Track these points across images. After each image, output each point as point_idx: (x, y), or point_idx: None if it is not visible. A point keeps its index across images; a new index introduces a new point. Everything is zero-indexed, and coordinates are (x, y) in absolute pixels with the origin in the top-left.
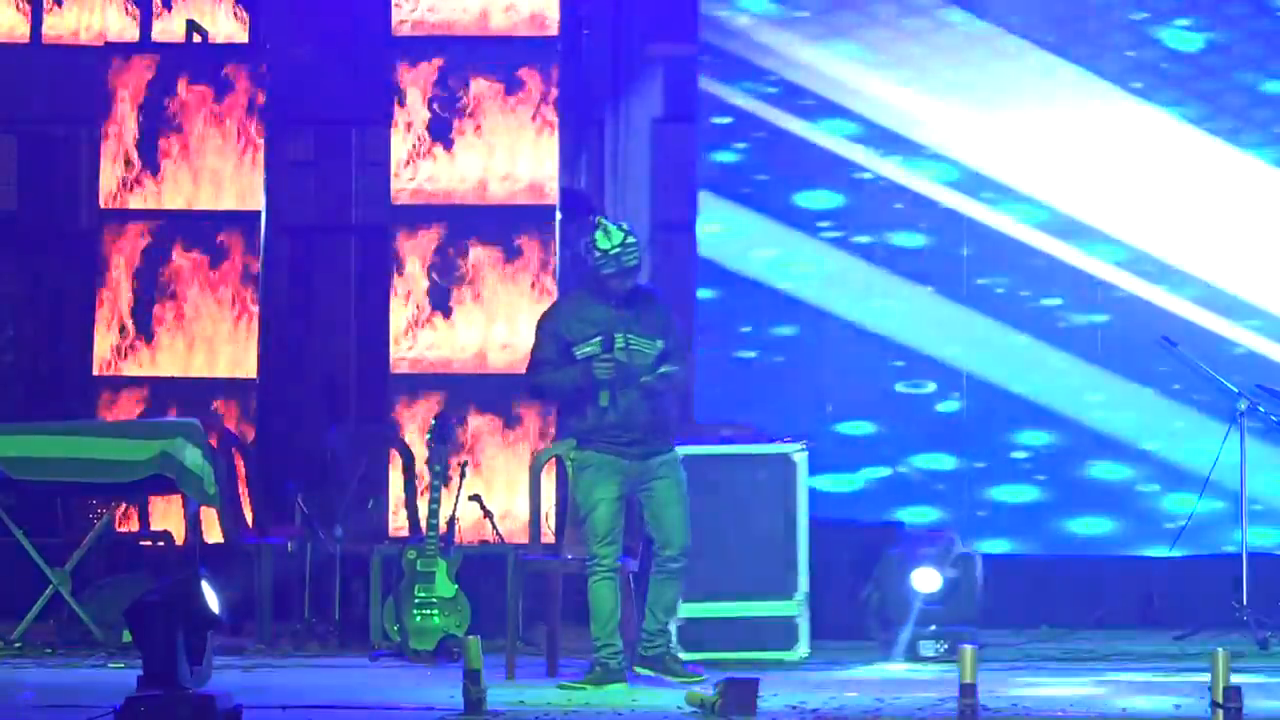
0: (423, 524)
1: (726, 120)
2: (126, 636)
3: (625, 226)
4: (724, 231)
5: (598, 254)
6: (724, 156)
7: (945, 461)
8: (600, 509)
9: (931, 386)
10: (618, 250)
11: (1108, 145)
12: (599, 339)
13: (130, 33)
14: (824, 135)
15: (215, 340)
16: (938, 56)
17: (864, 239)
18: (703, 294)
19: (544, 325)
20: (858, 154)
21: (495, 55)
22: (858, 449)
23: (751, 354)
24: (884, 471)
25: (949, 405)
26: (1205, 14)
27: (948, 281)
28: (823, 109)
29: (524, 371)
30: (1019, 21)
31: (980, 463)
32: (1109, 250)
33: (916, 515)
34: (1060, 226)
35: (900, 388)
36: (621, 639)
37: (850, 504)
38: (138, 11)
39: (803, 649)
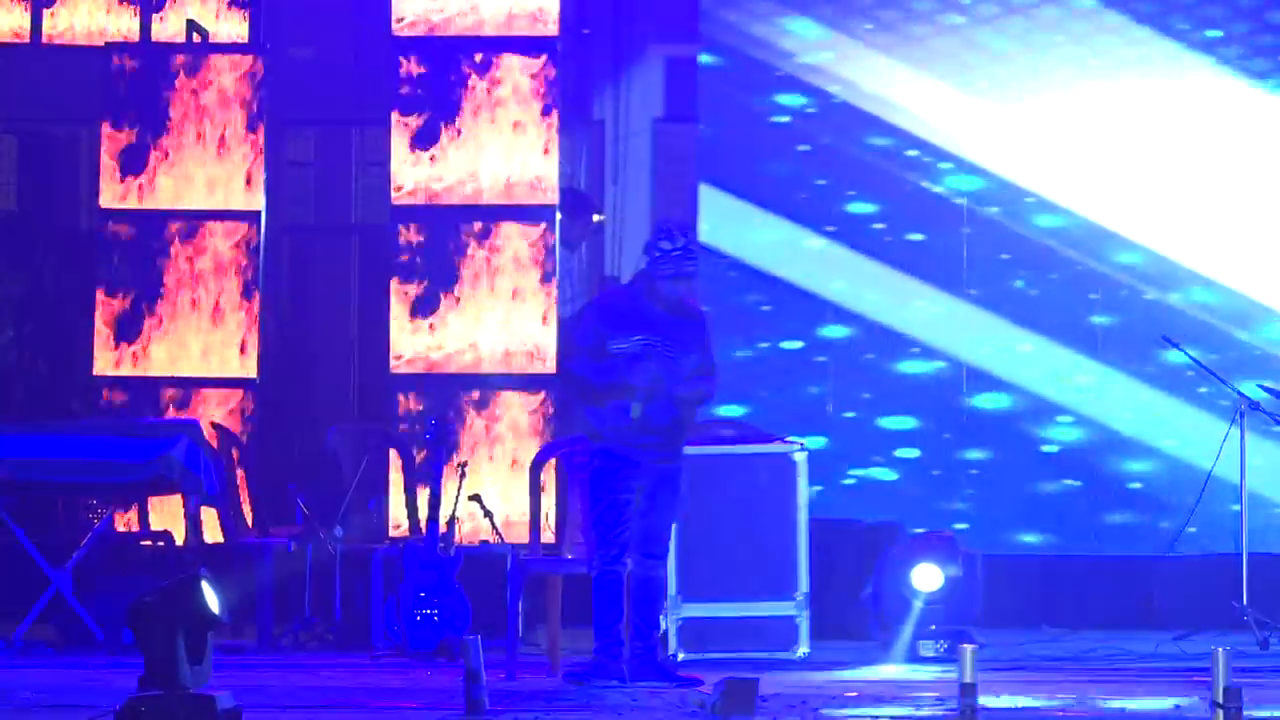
0: (423, 524)
1: (784, 119)
2: (126, 637)
3: (689, 235)
4: (775, 235)
5: (656, 254)
6: (777, 167)
7: (979, 456)
8: (613, 504)
9: (968, 384)
10: (678, 254)
11: (1139, 157)
12: (639, 338)
13: (130, 33)
14: (864, 146)
15: (215, 340)
16: (975, 75)
17: (904, 241)
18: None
19: (586, 315)
20: (897, 164)
21: (496, 55)
22: (895, 443)
23: (798, 344)
24: (924, 468)
25: (987, 402)
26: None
27: (984, 284)
28: (861, 121)
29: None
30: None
31: (1012, 458)
32: (1138, 255)
33: (955, 509)
34: (1093, 233)
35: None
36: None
37: (891, 498)
38: (138, 11)
39: (803, 649)
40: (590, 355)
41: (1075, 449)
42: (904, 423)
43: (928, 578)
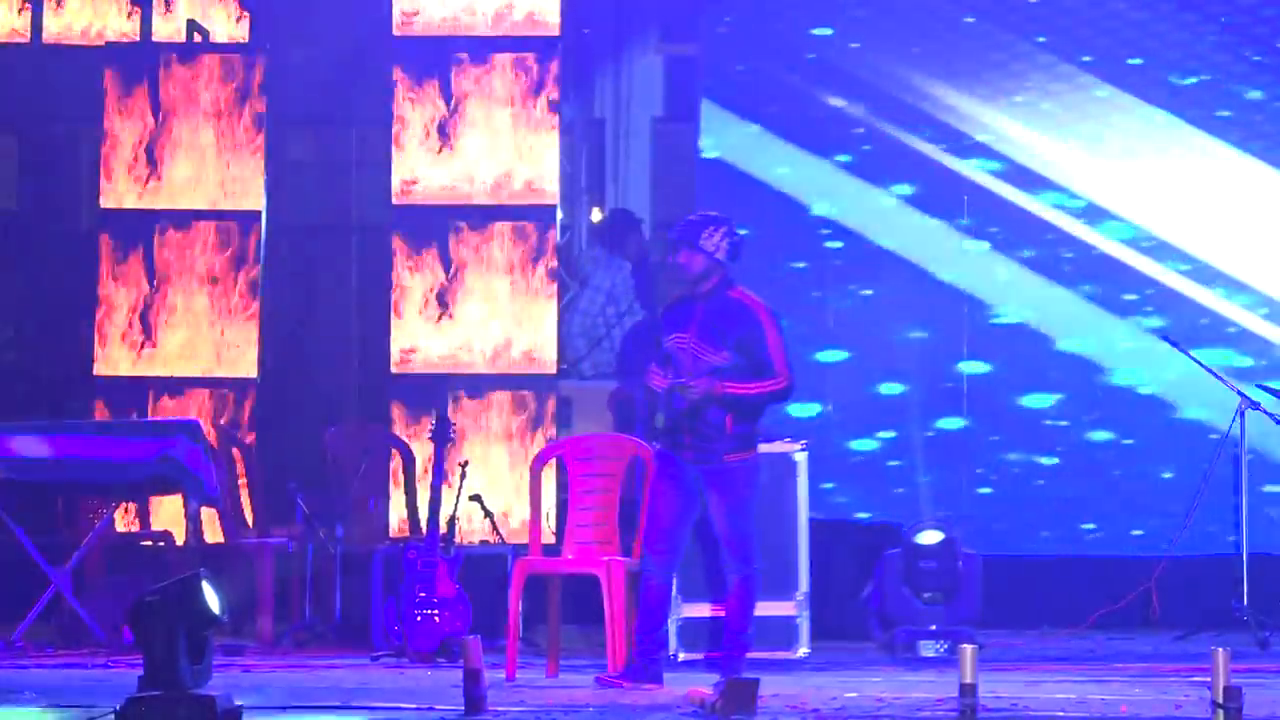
0: (423, 524)
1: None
2: (127, 637)
3: (707, 222)
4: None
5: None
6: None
7: (1035, 459)
8: (654, 505)
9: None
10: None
11: (1190, 179)
12: (670, 339)
13: (130, 33)
14: (975, 171)
15: (215, 340)
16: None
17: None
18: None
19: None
20: (1004, 187)
21: (495, 54)
22: (947, 440)
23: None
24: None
25: (1039, 401)
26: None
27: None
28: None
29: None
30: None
31: (1058, 459)
32: (1182, 263)
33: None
34: (1150, 246)
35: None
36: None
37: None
38: (138, 11)
39: (803, 649)
40: (655, 361)
41: (1123, 449)
42: (957, 422)
43: (929, 535)
